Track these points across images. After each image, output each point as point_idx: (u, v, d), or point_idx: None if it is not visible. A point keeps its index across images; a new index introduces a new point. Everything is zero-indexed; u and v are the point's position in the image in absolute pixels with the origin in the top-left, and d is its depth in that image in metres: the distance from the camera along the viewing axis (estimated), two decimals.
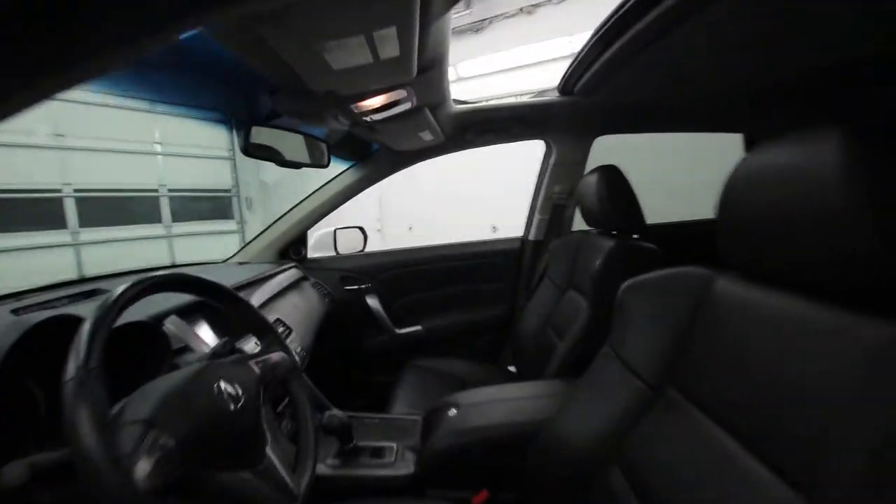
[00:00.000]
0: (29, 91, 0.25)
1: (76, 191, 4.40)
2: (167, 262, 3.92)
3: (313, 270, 1.74)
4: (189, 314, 0.95)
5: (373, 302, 1.77)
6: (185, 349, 0.85)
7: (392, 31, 0.55)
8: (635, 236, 1.24)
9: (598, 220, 1.29)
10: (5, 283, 1.09)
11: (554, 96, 1.49)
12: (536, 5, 4.56)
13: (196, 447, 0.52)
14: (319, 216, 1.72)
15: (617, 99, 1.44)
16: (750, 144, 1.82)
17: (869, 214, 0.42)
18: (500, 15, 4.79)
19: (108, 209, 4.70)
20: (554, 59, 4.18)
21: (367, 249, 1.89)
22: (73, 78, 0.26)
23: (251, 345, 0.90)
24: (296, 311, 1.34)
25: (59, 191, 4.30)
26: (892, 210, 0.42)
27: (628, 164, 1.27)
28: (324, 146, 1.31)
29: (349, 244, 1.85)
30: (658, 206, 1.56)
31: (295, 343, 1.11)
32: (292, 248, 1.73)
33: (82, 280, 1.20)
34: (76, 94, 4.18)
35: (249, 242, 1.72)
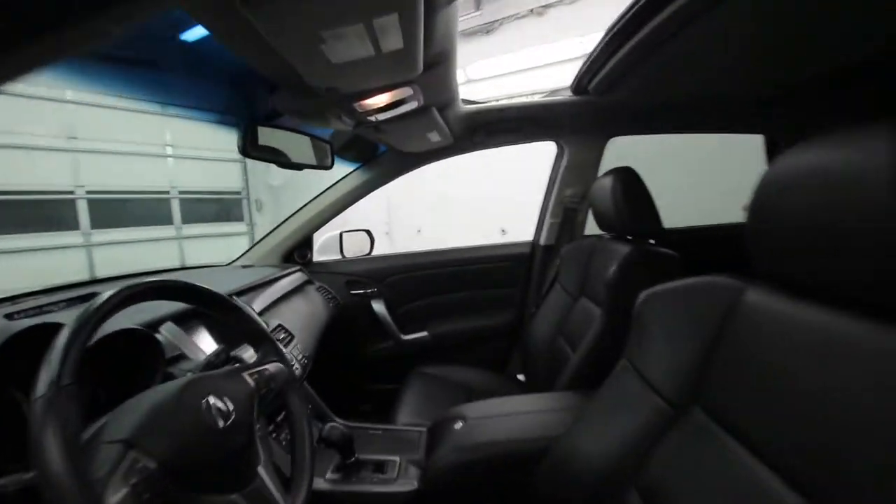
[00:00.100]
0: None
1: (88, 192, 4.45)
2: (177, 265, 3.94)
3: (318, 274, 1.70)
4: (186, 320, 0.92)
5: (379, 307, 1.74)
6: (181, 357, 0.82)
7: (394, 19, 0.51)
8: (652, 241, 1.19)
9: (612, 225, 1.23)
10: (16, 285, 1.07)
11: (566, 96, 1.44)
12: (547, 6, 4.50)
13: (180, 469, 0.49)
14: (325, 219, 1.68)
15: (632, 98, 1.38)
16: (771, 146, 1.75)
17: None
18: (511, 16, 4.74)
19: (120, 211, 4.75)
20: (565, 61, 4.12)
21: (375, 253, 1.86)
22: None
23: (249, 353, 0.86)
24: (299, 317, 1.30)
25: (71, 192, 4.35)
26: None
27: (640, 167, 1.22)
28: (328, 147, 1.28)
29: (355, 248, 1.82)
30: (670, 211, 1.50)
31: (296, 350, 1.07)
32: (297, 252, 1.71)
33: (83, 283, 1.17)
34: (89, 96, 4.25)
35: (254, 245, 1.69)
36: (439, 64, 0.79)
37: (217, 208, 5.82)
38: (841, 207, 0.44)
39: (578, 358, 1.13)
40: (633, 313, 0.79)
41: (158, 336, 0.82)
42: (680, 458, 0.62)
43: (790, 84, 1.35)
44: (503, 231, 4.49)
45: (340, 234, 1.78)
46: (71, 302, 0.94)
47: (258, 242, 1.69)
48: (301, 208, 1.68)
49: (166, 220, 5.21)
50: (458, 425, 0.98)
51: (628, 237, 1.23)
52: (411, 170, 1.65)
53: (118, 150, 4.67)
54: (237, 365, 0.70)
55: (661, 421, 0.67)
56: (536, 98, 1.53)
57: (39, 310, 0.89)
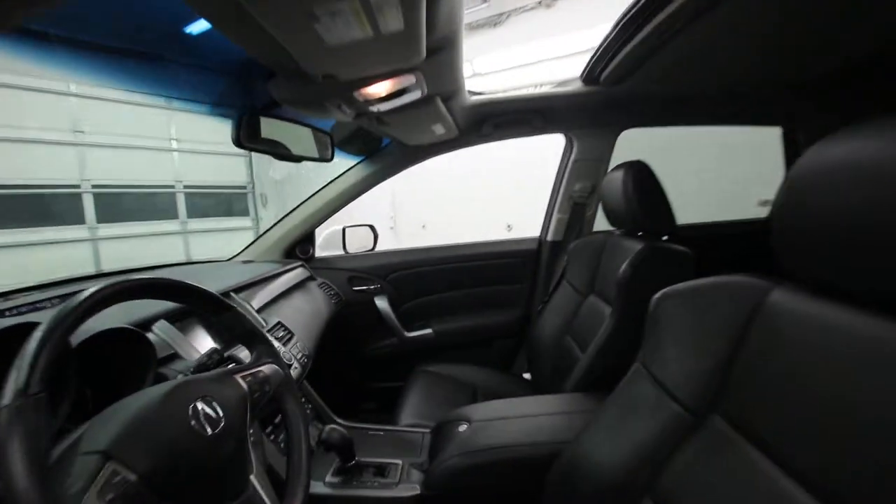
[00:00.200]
0: None
1: (94, 187, 4.46)
2: (182, 259, 3.94)
3: (321, 270, 1.67)
4: (182, 318, 0.89)
5: (382, 304, 1.70)
6: (175, 357, 0.79)
7: None
8: (665, 238, 1.14)
9: (623, 221, 1.19)
10: (22, 279, 1.06)
11: (577, 87, 1.38)
12: None
13: (163, 481, 0.45)
14: (328, 213, 1.65)
15: (645, 89, 1.33)
16: (789, 139, 1.69)
17: None
18: (519, 8, 4.66)
19: (125, 205, 4.76)
20: (574, 54, 4.04)
21: (379, 248, 1.82)
22: None
23: (246, 353, 0.83)
24: (299, 314, 1.27)
25: (77, 186, 4.36)
26: None
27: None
28: (328, 139, 1.24)
29: (359, 243, 1.78)
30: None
31: (296, 349, 1.04)
32: (299, 247, 1.68)
33: (80, 279, 1.15)
34: (94, 90, 4.24)
35: (256, 240, 1.67)
36: (443, 50, 0.75)
37: (222, 203, 5.82)
38: (875, 203, 0.41)
39: (588, 358, 1.09)
40: (649, 314, 0.75)
41: (151, 335, 0.79)
42: (698, 468, 0.59)
43: (809, 75, 1.30)
44: (509, 226, 4.44)
45: (343, 229, 1.75)
46: (65, 298, 0.91)
47: (259, 237, 1.66)
48: (303, 202, 1.64)
49: (172, 214, 5.22)
50: (463, 428, 0.95)
51: (639, 233, 1.18)
52: (416, 163, 1.60)
53: (124, 143, 4.67)
54: (229, 367, 0.66)
55: (678, 428, 0.63)
56: (545, 89, 1.48)
57: (32, 306, 0.86)
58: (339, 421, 1.19)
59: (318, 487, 0.89)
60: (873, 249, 0.42)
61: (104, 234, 4.56)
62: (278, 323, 1.10)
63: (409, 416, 1.24)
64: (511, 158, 4.09)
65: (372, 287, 1.74)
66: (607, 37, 1.09)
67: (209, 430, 0.52)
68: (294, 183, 5.52)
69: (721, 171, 2.44)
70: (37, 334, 0.43)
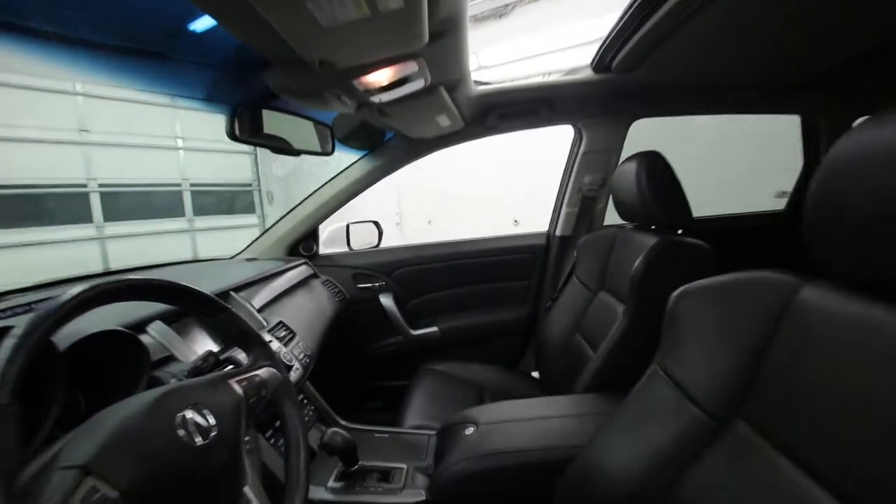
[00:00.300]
0: None
1: (101, 185, 4.48)
2: (189, 257, 3.95)
3: (324, 267, 1.65)
4: (179, 318, 0.86)
5: (387, 301, 1.67)
6: (171, 359, 0.76)
7: None
8: (679, 231, 1.09)
9: (636, 214, 1.14)
10: (32, 278, 1.04)
11: (587, 75, 1.33)
12: None
13: (147, 497, 0.42)
14: (332, 210, 1.62)
15: (657, 77, 1.27)
16: (808, 128, 1.62)
17: None
18: None
19: (132, 203, 4.78)
20: (582, 44, 3.96)
21: (384, 245, 1.79)
22: None
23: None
24: (302, 313, 1.24)
25: (84, 185, 4.38)
26: None
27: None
28: (328, 131, 1.20)
29: (363, 239, 1.75)
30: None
31: (298, 349, 1.01)
32: (303, 244, 1.65)
33: (77, 279, 1.13)
34: (99, 89, 4.25)
35: (259, 237, 1.64)
36: (447, 34, 0.70)
37: (228, 201, 5.83)
38: None
39: (599, 358, 1.05)
40: (666, 312, 0.70)
41: (145, 337, 0.76)
42: (721, 476, 0.55)
43: (831, 62, 1.24)
44: (515, 222, 4.38)
45: (347, 226, 1.72)
46: None
47: (262, 234, 1.64)
48: (306, 199, 1.61)
49: (178, 212, 5.24)
50: (469, 431, 0.91)
51: (652, 227, 1.14)
52: (420, 157, 1.56)
53: (129, 142, 4.68)
54: (225, 370, 0.63)
55: (698, 434, 0.59)
56: (554, 77, 1.43)
57: (28, 307, 0.84)
58: (343, 423, 1.16)
59: (319, 493, 0.86)
60: None
61: (111, 232, 4.58)
62: (280, 322, 1.07)
63: (414, 416, 1.21)
64: (517, 152, 4.03)
65: (377, 284, 1.70)
66: (619, 21, 1.04)
67: (199, 440, 0.49)
68: (300, 179, 5.51)
69: (731, 162, 2.37)
70: (8, 342, 0.40)
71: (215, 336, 0.90)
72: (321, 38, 0.57)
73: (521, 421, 0.93)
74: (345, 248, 1.73)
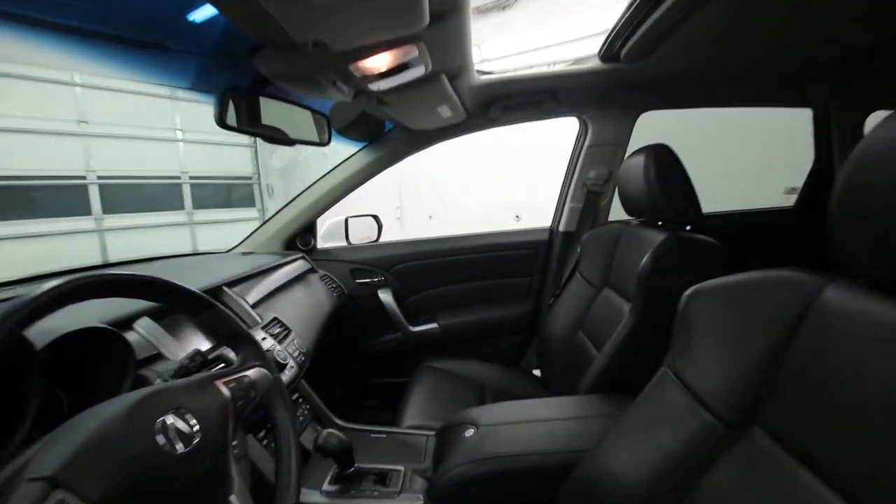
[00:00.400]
0: None
1: (100, 178, 4.44)
2: (189, 250, 3.92)
3: (322, 262, 1.61)
4: (169, 315, 0.82)
5: (386, 297, 1.64)
6: (158, 358, 0.73)
7: None
8: (688, 228, 1.05)
9: (644, 209, 1.10)
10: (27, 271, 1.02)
11: (594, 64, 1.28)
12: None
13: None
14: (330, 203, 1.58)
15: (667, 68, 1.23)
16: (821, 121, 1.57)
17: None
18: None
19: (131, 196, 4.74)
20: (587, 36, 3.89)
21: (384, 239, 1.75)
22: None
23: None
24: (298, 308, 1.21)
25: (83, 177, 4.34)
26: None
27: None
28: (324, 121, 1.16)
29: (362, 234, 1.72)
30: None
31: (293, 346, 0.98)
32: (300, 238, 1.61)
33: (67, 272, 1.09)
34: (98, 80, 4.20)
35: (255, 231, 1.60)
36: (448, 16, 0.66)
37: (229, 193, 5.80)
38: None
39: (605, 358, 1.01)
40: (677, 312, 0.67)
41: (132, 334, 0.73)
42: (735, 486, 0.53)
43: (845, 53, 1.19)
44: (517, 217, 4.34)
45: (346, 220, 1.68)
46: None
47: (259, 228, 1.60)
48: (304, 191, 1.58)
49: (178, 205, 5.20)
50: (470, 433, 0.88)
51: (659, 223, 1.10)
52: (420, 149, 1.52)
53: (127, 134, 4.64)
54: (212, 371, 0.60)
55: (711, 442, 0.56)
56: (559, 67, 1.38)
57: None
58: (339, 423, 1.13)
59: (314, 496, 0.83)
60: None
61: (110, 225, 4.55)
62: (274, 319, 1.03)
63: (412, 416, 1.18)
64: (520, 146, 3.98)
65: (376, 280, 1.67)
66: (629, 8, 1.00)
67: (180, 447, 0.45)
68: (301, 172, 5.47)
69: (738, 157, 2.32)
70: None
71: (208, 333, 0.87)
72: (314, 17, 0.53)
73: (524, 423, 0.90)
74: (343, 243, 1.69)
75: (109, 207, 4.54)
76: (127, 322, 0.73)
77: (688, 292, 0.67)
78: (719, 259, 0.96)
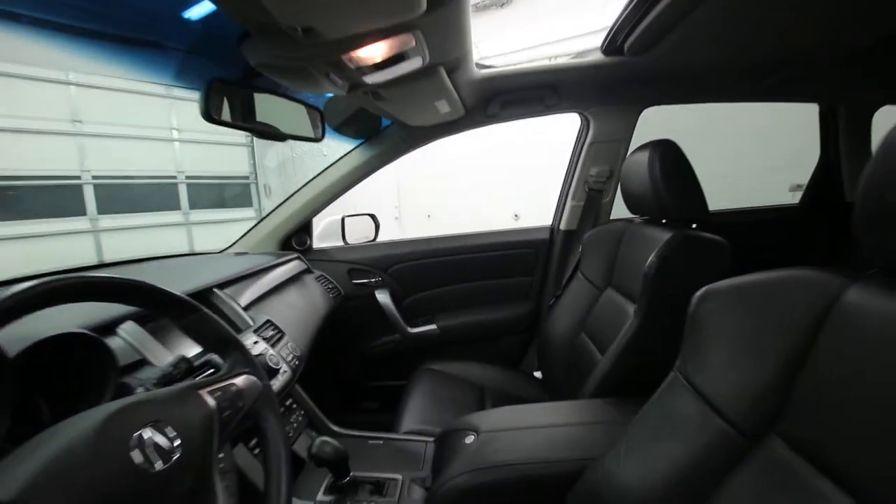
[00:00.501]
0: None
1: (94, 177, 4.39)
2: (185, 250, 3.88)
3: (318, 262, 1.57)
4: (155, 318, 0.79)
5: (383, 298, 1.60)
6: (143, 364, 0.69)
7: None
8: (693, 226, 1.02)
9: (648, 207, 1.07)
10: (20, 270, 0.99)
11: (597, 58, 1.25)
12: None
13: None
14: (326, 201, 1.55)
15: (672, 60, 1.20)
16: (827, 117, 1.54)
17: None
18: None
19: (127, 196, 4.70)
20: (587, 34, 3.86)
21: (382, 239, 1.72)
22: None
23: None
24: (293, 310, 1.17)
25: (78, 177, 4.30)
26: None
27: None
28: (318, 115, 1.12)
29: (359, 233, 1.68)
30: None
31: (286, 350, 0.94)
32: (296, 237, 1.58)
33: (51, 273, 1.06)
34: (93, 79, 4.16)
35: (250, 230, 1.57)
36: (447, 2, 0.63)
37: (226, 193, 5.75)
38: None
39: (609, 360, 0.98)
40: (688, 314, 0.64)
41: (115, 339, 0.69)
42: (753, 499, 0.50)
43: (853, 46, 1.17)
44: (516, 216, 4.31)
45: (343, 219, 1.65)
46: None
47: (254, 227, 1.57)
48: (299, 190, 1.54)
49: (174, 205, 5.16)
50: (470, 439, 0.85)
51: (663, 221, 1.07)
52: (418, 146, 1.49)
53: (123, 133, 4.60)
54: (196, 380, 0.56)
55: (726, 452, 0.54)
56: (561, 60, 1.35)
57: None
58: (335, 429, 1.10)
59: None
60: None
61: (105, 225, 4.50)
62: (267, 321, 1.00)
63: (411, 421, 1.14)
64: (519, 144, 3.95)
65: (373, 280, 1.64)
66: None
67: (158, 465, 0.42)
68: (300, 171, 5.43)
69: (743, 154, 2.30)
70: None
71: (193, 339, 0.83)
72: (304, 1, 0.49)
73: (526, 429, 0.86)
74: (340, 243, 1.66)
75: (105, 208, 4.49)
76: (110, 326, 0.70)
77: (699, 293, 0.64)
78: (728, 258, 0.93)
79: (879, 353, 0.41)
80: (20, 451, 0.40)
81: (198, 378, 0.61)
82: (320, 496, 0.82)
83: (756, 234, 1.56)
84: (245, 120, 0.88)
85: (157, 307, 0.55)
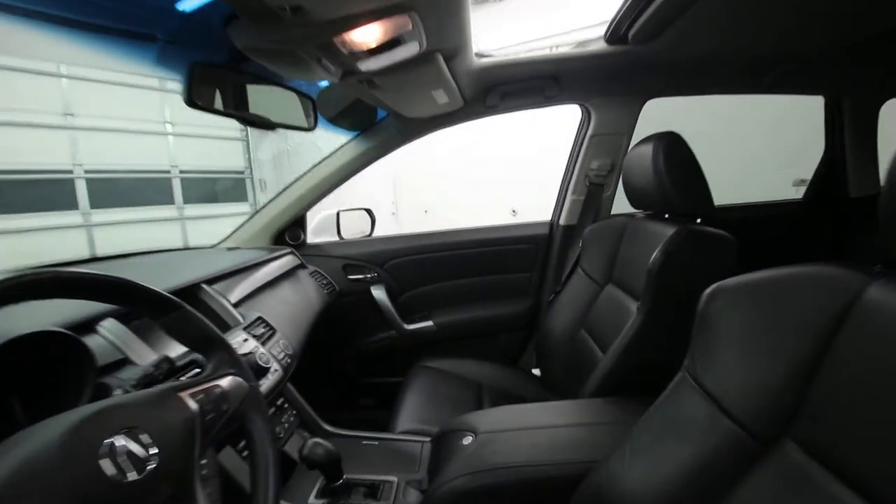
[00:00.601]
0: None
1: (87, 172, 4.33)
2: (179, 245, 3.84)
3: (312, 257, 1.54)
4: (138, 315, 0.75)
5: (379, 294, 1.57)
6: (125, 363, 0.66)
7: None
8: (698, 220, 1.00)
9: (652, 201, 1.04)
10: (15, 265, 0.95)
11: (599, 47, 1.21)
12: None
13: None
14: (321, 195, 1.52)
15: (676, 50, 1.17)
16: (832, 108, 1.52)
17: None
18: None
19: (119, 190, 4.64)
20: (588, 27, 3.82)
21: (378, 234, 1.69)
22: None
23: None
24: (285, 307, 1.14)
25: (70, 172, 4.23)
26: None
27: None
28: (310, 104, 1.08)
29: (354, 228, 1.65)
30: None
31: (277, 348, 0.91)
32: (289, 232, 1.54)
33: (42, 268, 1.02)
34: (86, 71, 4.09)
35: (242, 225, 1.53)
36: None
37: (220, 187, 5.70)
38: None
39: (611, 358, 0.96)
40: (697, 313, 0.61)
41: (95, 337, 0.66)
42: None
43: (859, 38, 1.14)
44: (513, 211, 4.28)
45: (338, 213, 1.61)
46: None
47: (246, 222, 1.53)
48: (292, 183, 1.50)
49: (168, 200, 5.10)
50: (468, 440, 0.82)
51: (666, 216, 1.04)
52: (415, 138, 1.45)
53: (116, 127, 4.53)
54: (177, 382, 0.53)
55: (736, 456, 0.51)
56: (562, 49, 1.31)
57: None
58: (328, 428, 1.07)
59: None
60: None
61: (97, 220, 4.44)
62: (258, 318, 0.96)
63: (406, 420, 1.11)
64: (517, 138, 3.92)
65: (368, 276, 1.60)
66: None
67: (132, 476, 0.39)
68: (294, 165, 5.38)
69: (746, 148, 2.27)
70: None
71: (176, 338, 0.80)
72: None
73: (526, 430, 0.83)
74: (335, 238, 1.62)
75: (98, 202, 4.43)
76: (89, 324, 0.67)
77: (709, 291, 0.61)
78: (734, 254, 0.90)
79: None
80: None
81: (180, 379, 0.57)
82: (312, 499, 0.79)
83: (758, 229, 1.53)
84: (232, 107, 0.84)
85: (132, 304, 0.52)
